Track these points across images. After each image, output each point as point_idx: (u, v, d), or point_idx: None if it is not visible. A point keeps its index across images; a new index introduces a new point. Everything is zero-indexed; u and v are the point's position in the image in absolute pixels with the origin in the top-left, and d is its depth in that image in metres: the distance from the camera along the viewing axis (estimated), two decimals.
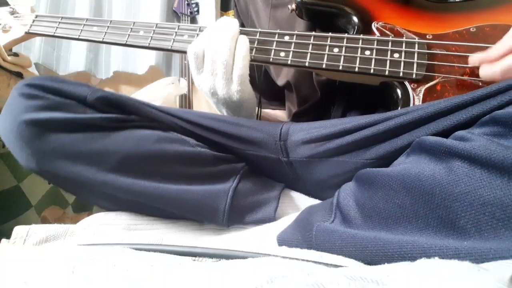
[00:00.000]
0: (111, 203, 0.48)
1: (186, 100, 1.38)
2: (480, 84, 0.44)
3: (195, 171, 0.45)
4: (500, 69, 0.39)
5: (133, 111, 0.47)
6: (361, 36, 0.51)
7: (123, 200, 0.45)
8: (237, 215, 0.45)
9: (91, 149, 0.43)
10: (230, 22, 0.53)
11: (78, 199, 0.51)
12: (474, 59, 0.44)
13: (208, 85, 0.52)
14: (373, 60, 0.49)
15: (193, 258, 0.32)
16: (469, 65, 0.45)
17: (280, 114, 0.79)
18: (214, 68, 0.50)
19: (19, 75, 0.78)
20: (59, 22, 0.65)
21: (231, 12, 1.61)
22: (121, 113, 0.46)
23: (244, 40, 0.52)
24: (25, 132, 0.42)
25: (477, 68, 0.44)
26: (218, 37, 0.51)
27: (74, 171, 0.43)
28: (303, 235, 0.38)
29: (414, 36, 0.50)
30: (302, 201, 0.49)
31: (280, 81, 0.70)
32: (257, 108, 0.64)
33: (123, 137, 0.44)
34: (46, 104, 0.43)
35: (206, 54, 0.51)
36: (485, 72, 0.42)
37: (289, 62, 0.52)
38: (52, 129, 0.43)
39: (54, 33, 0.65)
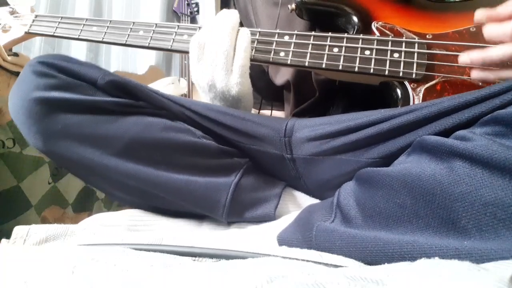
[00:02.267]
0: (114, 188, 0.48)
1: None
2: (480, 84, 0.44)
3: (199, 162, 0.46)
4: (511, 29, 0.37)
5: (142, 97, 0.47)
6: (361, 36, 0.51)
7: (126, 185, 0.46)
8: (237, 210, 0.45)
9: (98, 131, 0.43)
10: (230, 13, 0.53)
11: (82, 181, 0.51)
12: (480, 14, 0.40)
13: (208, 77, 0.52)
14: (373, 60, 0.49)
15: (193, 258, 0.32)
16: (474, 22, 0.41)
17: (278, 114, 0.79)
18: (214, 59, 0.50)
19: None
20: (59, 22, 0.65)
21: None
22: (130, 98, 0.46)
23: (245, 32, 0.52)
24: (34, 110, 0.42)
25: (477, 67, 0.44)
26: (218, 28, 0.51)
27: (79, 152, 0.43)
28: (303, 235, 0.38)
29: (414, 36, 0.50)
30: (303, 200, 0.49)
31: (279, 80, 0.70)
32: (255, 109, 0.64)
33: (131, 122, 0.44)
34: (57, 83, 0.43)
35: (207, 45, 0.51)
36: (491, 31, 0.39)
37: (289, 62, 0.52)
38: (61, 109, 0.43)
39: (54, 33, 0.65)
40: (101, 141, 0.43)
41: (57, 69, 0.44)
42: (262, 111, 0.75)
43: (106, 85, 0.45)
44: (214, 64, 0.50)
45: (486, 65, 0.40)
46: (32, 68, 0.44)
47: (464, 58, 0.42)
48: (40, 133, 0.43)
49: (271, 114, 0.73)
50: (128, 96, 0.46)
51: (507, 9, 0.38)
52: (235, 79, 0.50)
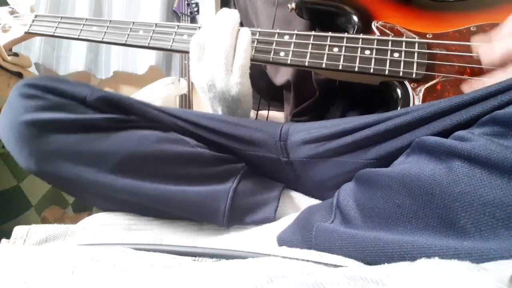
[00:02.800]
0: (111, 204, 0.48)
1: (186, 100, 1.38)
2: (480, 84, 0.44)
3: (195, 171, 0.45)
4: (499, 50, 0.39)
5: (133, 111, 0.47)
6: (361, 35, 0.51)
7: (123, 201, 0.45)
8: (237, 216, 0.45)
9: (91, 149, 0.43)
10: (230, 12, 0.52)
11: (78, 200, 0.51)
12: (477, 39, 0.43)
13: (207, 76, 0.51)
14: (373, 60, 0.49)
15: (193, 258, 0.32)
16: (471, 43, 0.44)
17: (276, 115, 0.78)
18: (214, 59, 0.50)
19: (19, 75, 0.78)
20: (59, 22, 0.65)
21: None
22: (121, 113, 0.46)
23: (246, 32, 0.52)
24: (25, 133, 0.42)
25: (477, 67, 0.44)
26: (219, 28, 0.51)
27: (73, 172, 0.43)
28: (303, 235, 0.38)
29: (414, 36, 0.50)
30: (302, 201, 0.49)
31: (278, 80, 0.70)
32: (253, 111, 0.64)
33: (123, 137, 0.44)
34: (45, 104, 0.43)
35: (207, 44, 0.51)
36: (483, 51, 0.41)
37: (288, 61, 0.52)
38: (52, 130, 0.43)
39: (54, 33, 0.65)
40: (95, 158, 0.43)
41: (45, 90, 0.44)
42: (260, 112, 0.75)
43: (96, 102, 0.45)
44: (215, 64, 0.50)
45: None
46: (19, 91, 0.44)
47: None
48: (32, 156, 0.43)
49: (268, 115, 0.73)
50: (119, 111, 0.46)
51: (499, 32, 0.41)
52: (235, 79, 0.50)
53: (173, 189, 0.44)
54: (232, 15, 0.52)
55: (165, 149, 0.45)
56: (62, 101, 0.44)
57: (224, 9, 0.54)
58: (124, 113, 0.46)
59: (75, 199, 0.87)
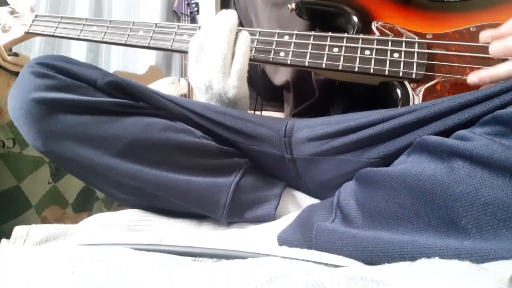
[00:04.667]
0: (114, 188, 0.48)
1: None
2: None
3: (199, 162, 0.46)
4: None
5: (142, 98, 0.47)
6: (361, 35, 0.51)
7: (126, 185, 0.46)
8: (237, 210, 0.45)
9: (98, 132, 0.43)
10: (228, 14, 0.52)
11: (83, 181, 0.51)
12: (485, 35, 0.42)
13: (205, 78, 0.51)
14: (373, 60, 0.49)
15: (193, 258, 0.32)
16: (479, 43, 0.43)
17: (279, 116, 0.78)
18: (211, 61, 0.50)
19: None
20: (59, 22, 0.65)
21: None
22: (130, 99, 0.46)
23: (245, 36, 0.52)
24: (34, 111, 0.42)
25: (477, 68, 0.44)
26: (217, 30, 0.51)
27: (79, 153, 0.43)
28: (303, 235, 0.38)
29: (414, 36, 0.50)
30: (303, 200, 0.49)
31: (278, 80, 0.70)
32: (253, 110, 0.64)
33: (130, 122, 0.44)
34: (56, 84, 0.43)
35: (206, 46, 0.51)
36: (496, 48, 0.40)
37: (288, 62, 0.52)
38: (61, 110, 0.43)
39: (54, 33, 0.65)
40: (101, 141, 0.43)
41: (56, 70, 0.44)
42: (257, 113, 0.75)
43: (106, 86, 0.45)
44: (212, 66, 0.50)
45: (494, 82, 0.41)
46: (31, 69, 0.44)
47: (472, 78, 0.43)
48: (40, 134, 0.43)
49: (260, 114, 0.73)
50: (128, 97, 0.46)
51: (508, 27, 0.39)
52: (232, 83, 0.50)
53: (176, 177, 0.44)
54: (230, 17, 0.52)
55: (171, 138, 0.45)
56: (72, 82, 0.44)
57: (224, 10, 0.54)
58: (133, 99, 0.46)
59: (75, 199, 0.87)
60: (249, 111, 0.59)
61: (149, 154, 0.44)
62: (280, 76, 0.69)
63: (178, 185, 0.44)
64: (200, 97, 0.56)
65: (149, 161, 0.44)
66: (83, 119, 0.43)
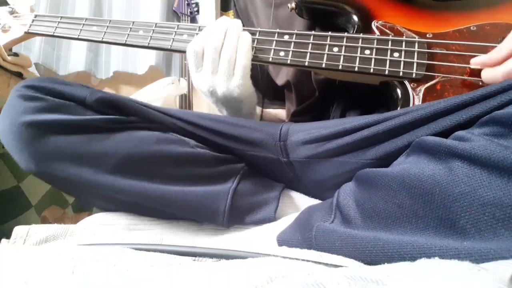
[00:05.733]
0: (111, 205, 0.48)
1: (186, 100, 1.38)
2: (481, 83, 0.44)
3: (195, 172, 0.45)
4: (502, 73, 0.39)
5: (132, 112, 0.47)
6: (361, 35, 0.50)
7: (123, 201, 0.45)
8: (237, 216, 0.45)
9: (90, 150, 0.43)
10: (234, 21, 0.53)
11: (77, 200, 0.51)
12: (475, 61, 0.43)
13: (208, 84, 0.52)
14: (372, 60, 0.49)
15: (193, 258, 0.32)
16: (471, 67, 0.45)
17: (281, 112, 0.79)
18: (214, 66, 0.50)
19: (19, 75, 0.78)
20: (59, 22, 0.65)
21: (231, 12, 1.61)
22: (120, 114, 0.46)
23: (247, 35, 0.52)
24: (24, 134, 0.42)
25: (477, 69, 0.44)
26: (219, 35, 0.51)
27: (73, 173, 0.43)
28: (303, 235, 0.38)
29: (414, 35, 0.50)
30: (302, 201, 0.49)
31: (280, 80, 0.70)
32: (259, 107, 0.64)
33: (122, 138, 0.44)
34: (45, 105, 0.43)
35: (206, 52, 0.51)
36: (487, 75, 0.41)
37: (288, 61, 0.52)
38: (52, 131, 0.43)
39: (54, 32, 0.65)
40: (94, 159, 0.43)
41: (44, 92, 0.44)
42: (266, 110, 0.75)
43: (95, 103, 0.45)
44: (215, 71, 0.51)
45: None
46: (18, 93, 0.44)
47: (475, 61, 0.43)
48: (32, 156, 0.43)
49: (261, 112, 0.73)
50: (118, 112, 0.46)
51: (497, 54, 0.41)
52: (236, 82, 0.50)
53: (173, 189, 0.44)
54: (236, 23, 0.52)
55: (165, 150, 0.45)
56: (61, 102, 0.44)
57: (224, 17, 0.54)
58: (123, 114, 0.46)
59: (75, 199, 0.87)
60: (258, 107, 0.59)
61: (143, 168, 0.44)
62: (281, 77, 0.69)
63: (175, 197, 0.44)
64: (207, 99, 0.56)
65: (144, 175, 0.44)
66: (74, 138, 0.43)
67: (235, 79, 0.50)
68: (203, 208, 0.44)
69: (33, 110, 0.43)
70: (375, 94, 0.53)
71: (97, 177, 0.43)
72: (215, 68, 0.51)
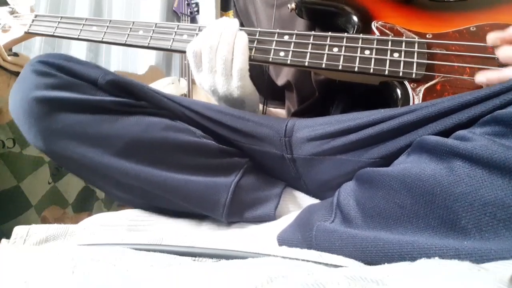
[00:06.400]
0: (114, 187, 0.48)
1: None
2: (481, 83, 0.44)
3: (199, 162, 0.46)
4: None
5: (143, 97, 0.47)
6: (361, 35, 0.50)
7: (126, 184, 0.46)
8: (237, 210, 0.45)
9: (99, 131, 0.43)
10: (231, 21, 0.53)
11: (83, 180, 0.52)
12: (493, 37, 0.42)
13: (208, 83, 0.52)
14: (372, 60, 0.49)
15: (193, 258, 0.32)
16: (487, 44, 0.43)
17: (282, 112, 0.79)
18: (212, 66, 0.51)
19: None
20: (59, 22, 0.65)
21: (231, 12, 1.61)
22: (131, 98, 0.46)
23: (242, 35, 0.52)
24: (35, 109, 0.42)
25: (477, 69, 0.44)
26: (216, 35, 0.51)
27: (80, 152, 0.43)
28: (303, 235, 0.38)
29: (414, 36, 0.50)
30: (303, 200, 0.49)
31: (280, 81, 0.70)
32: (261, 106, 0.64)
33: (131, 122, 0.44)
34: (57, 83, 0.43)
35: (203, 52, 0.51)
36: (505, 52, 0.40)
37: (288, 61, 0.52)
38: (62, 109, 0.43)
39: (54, 33, 0.65)
40: (102, 140, 0.43)
41: (58, 69, 0.44)
42: (269, 108, 0.75)
43: (107, 85, 0.45)
44: (214, 71, 0.51)
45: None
46: (32, 68, 0.44)
47: (480, 78, 0.42)
48: (41, 133, 0.43)
49: (264, 110, 0.73)
50: (129, 96, 0.46)
51: None
52: (235, 83, 0.50)
53: (176, 177, 0.44)
54: (232, 23, 0.52)
55: (171, 137, 0.45)
56: (74, 81, 0.44)
57: (223, 17, 0.54)
58: (134, 98, 0.46)
59: (75, 199, 0.87)
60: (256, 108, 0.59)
61: (149, 154, 0.44)
62: (282, 77, 0.69)
63: (178, 184, 0.44)
64: (211, 97, 0.56)
65: (149, 160, 0.44)
66: (84, 118, 0.43)
67: (233, 81, 0.50)
68: (205, 198, 0.44)
69: (45, 86, 0.43)
70: (375, 94, 0.53)
71: (103, 158, 0.43)
72: (212, 67, 0.51)
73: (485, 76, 0.42)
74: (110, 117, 0.44)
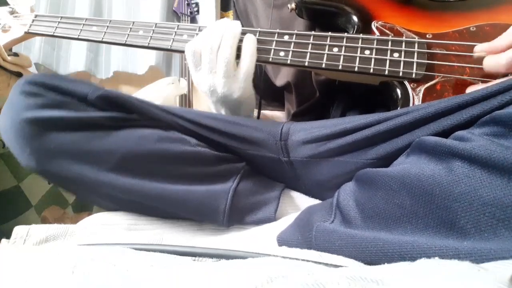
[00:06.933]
0: (111, 203, 0.48)
1: (186, 100, 1.38)
2: (480, 83, 0.44)
3: (196, 170, 0.45)
4: (505, 60, 0.39)
5: (134, 109, 0.47)
6: (361, 35, 0.51)
7: (123, 199, 0.45)
8: (237, 215, 0.45)
9: (92, 148, 0.43)
10: (232, 22, 0.53)
11: (78, 198, 0.51)
12: (479, 48, 0.43)
13: (207, 83, 0.52)
14: (372, 60, 0.49)
15: (193, 258, 0.32)
16: (474, 54, 0.44)
17: (278, 115, 0.78)
18: (212, 67, 0.50)
19: (19, 75, 0.78)
20: (59, 22, 0.65)
21: (231, 12, 1.61)
22: (122, 111, 0.46)
23: (252, 38, 0.52)
24: (26, 131, 0.42)
25: (477, 68, 0.44)
26: (217, 36, 0.51)
27: (74, 170, 0.43)
28: (303, 235, 0.38)
29: (414, 36, 0.50)
30: (302, 201, 0.49)
31: (279, 82, 0.70)
32: (256, 109, 0.64)
33: (124, 136, 0.44)
34: (46, 102, 0.43)
35: (203, 52, 0.51)
36: (489, 63, 0.41)
37: (288, 61, 0.52)
38: (53, 128, 0.42)
39: (54, 33, 0.65)
40: (95, 157, 0.43)
41: (46, 88, 0.44)
42: (262, 111, 0.75)
43: (97, 100, 0.44)
44: (213, 72, 0.51)
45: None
46: (20, 89, 0.44)
47: (479, 48, 0.44)
48: (34, 153, 0.42)
49: (259, 113, 0.73)
50: (120, 110, 0.46)
51: (501, 41, 0.41)
52: (238, 84, 0.50)
53: (173, 188, 0.44)
54: (234, 24, 0.52)
55: (166, 148, 0.45)
56: (63, 99, 0.44)
57: (225, 18, 0.54)
58: (125, 112, 0.46)
59: (75, 199, 0.87)
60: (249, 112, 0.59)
61: (144, 167, 0.44)
62: (281, 78, 0.69)
63: (175, 195, 0.44)
64: (207, 98, 0.56)
65: (144, 173, 0.44)
66: (76, 136, 0.43)
67: (237, 82, 0.50)
68: (203, 207, 0.44)
69: (35, 107, 0.42)
70: (375, 94, 0.53)
71: (98, 175, 0.43)
72: (212, 68, 0.51)
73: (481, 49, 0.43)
74: (102, 133, 0.43)
